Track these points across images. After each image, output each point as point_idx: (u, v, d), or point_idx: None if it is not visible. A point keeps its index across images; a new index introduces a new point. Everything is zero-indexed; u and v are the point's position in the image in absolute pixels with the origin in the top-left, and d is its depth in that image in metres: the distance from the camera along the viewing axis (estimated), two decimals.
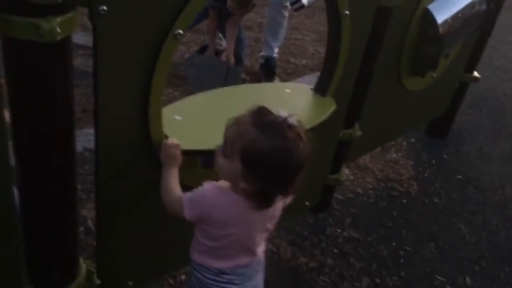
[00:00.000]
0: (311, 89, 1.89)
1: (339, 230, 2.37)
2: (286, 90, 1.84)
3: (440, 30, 2.15)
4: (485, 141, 3.36)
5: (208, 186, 1.28)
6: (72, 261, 1.42)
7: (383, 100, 2.30)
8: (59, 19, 1.04)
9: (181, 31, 1.27)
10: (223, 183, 1.29)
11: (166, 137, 1.42)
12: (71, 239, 1.38)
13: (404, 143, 3.14)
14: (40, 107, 1.13)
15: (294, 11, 3.57)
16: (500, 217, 2.66)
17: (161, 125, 1.40)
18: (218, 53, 3.55)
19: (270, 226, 1.36)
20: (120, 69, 1.23)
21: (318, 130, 1.73)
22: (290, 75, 3.97)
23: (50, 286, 1.39)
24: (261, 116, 1.19)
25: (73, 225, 1.37)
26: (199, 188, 1.28)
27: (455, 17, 2.23)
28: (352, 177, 2.73)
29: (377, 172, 2.83)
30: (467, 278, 2.23)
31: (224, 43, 3.69)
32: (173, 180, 1.36)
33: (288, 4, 3.55)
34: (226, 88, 1.80)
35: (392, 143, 3.06)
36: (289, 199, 1.35)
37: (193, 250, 1.37)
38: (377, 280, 2.14)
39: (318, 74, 4.24)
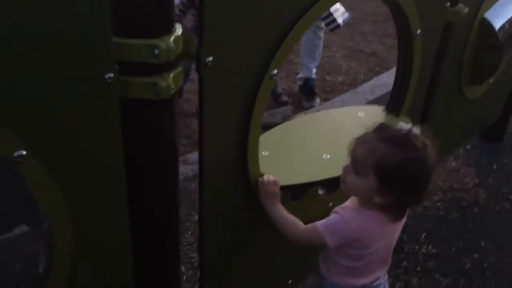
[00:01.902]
0: (383, 110, 1.89)
1: (416, 247, 2.33)
2: (359, 113, 1.84)
3: (499, 36, 2.14)
4: None
5: (344, 212, 1.30)
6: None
7: (447, 111, 2.28)
8: (172, 74, 1.07)
9: (275, 71, 1.30)
10: (350, 205, 1.33)
11: (262, 174, 1.44)
12: (175, 266, 1.40)
13: (461, 150, 3.10)
14: (151, 153, 1.17)
15: (330, 31, 3.59)
16: None
17: (258, 162, 1.41)
18: None
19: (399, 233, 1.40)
20: (222, 111, 1.25)
21: None
22: (329, 93, 3.98)
23: None
24: (386, 131, 1.24)
25: (176, 252, 1.40)
26: (334, 216, 1.31)
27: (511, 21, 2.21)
28: None
29: (440, 183, 2.79)
30: None
31: None
32: (288, 215, 1.38)
33: (323, 25, 3.57)
34: (301, 118, 1.82)
35: None
36: None
37: (330, 273, 1.40)
38: None
39: (357, 91, 4.19)
